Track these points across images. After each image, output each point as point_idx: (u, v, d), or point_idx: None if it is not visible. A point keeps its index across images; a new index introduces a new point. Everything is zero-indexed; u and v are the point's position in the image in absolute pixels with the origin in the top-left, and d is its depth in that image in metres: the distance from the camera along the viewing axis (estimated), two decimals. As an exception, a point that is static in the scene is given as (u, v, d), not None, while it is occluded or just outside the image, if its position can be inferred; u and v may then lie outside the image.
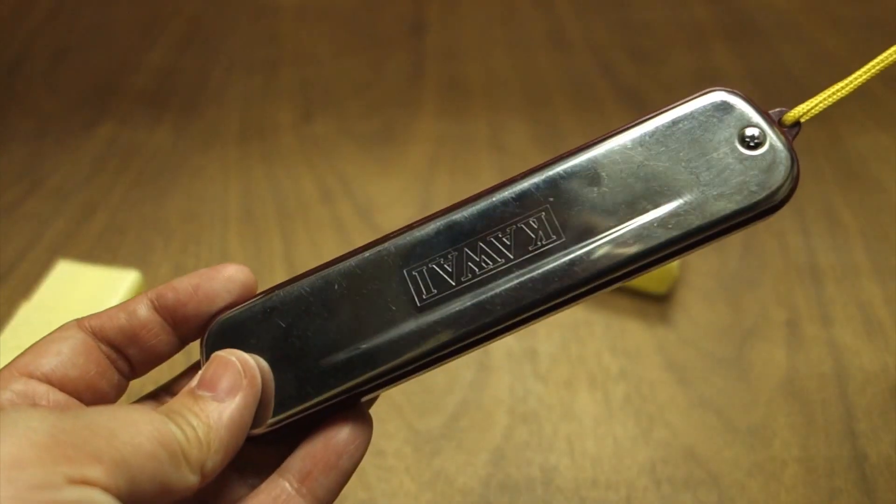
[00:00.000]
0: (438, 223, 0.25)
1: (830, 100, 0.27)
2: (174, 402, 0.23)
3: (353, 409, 0.25)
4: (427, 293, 0.25)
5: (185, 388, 0.24)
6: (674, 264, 0.44)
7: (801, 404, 0.41)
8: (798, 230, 0.52)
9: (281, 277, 0.48)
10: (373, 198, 0.54)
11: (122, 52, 0.70)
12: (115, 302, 0.41)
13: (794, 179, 0.24)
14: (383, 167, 0.57)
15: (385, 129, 0.61)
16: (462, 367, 0.43)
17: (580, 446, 0.39)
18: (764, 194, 0.23)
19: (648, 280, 0.46)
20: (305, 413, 0.25)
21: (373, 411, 0.40)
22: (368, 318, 0.25)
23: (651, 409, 0.41)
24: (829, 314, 0.46)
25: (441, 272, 0.25)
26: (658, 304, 0.47)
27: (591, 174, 0.25)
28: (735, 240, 0.51)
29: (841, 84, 0.27)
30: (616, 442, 0.39)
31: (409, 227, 0.26)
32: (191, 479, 0.22)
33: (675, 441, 0.40)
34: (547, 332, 0.45)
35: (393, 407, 0.41)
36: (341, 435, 0.25)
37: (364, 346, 0.25)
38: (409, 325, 0.25)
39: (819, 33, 0.74)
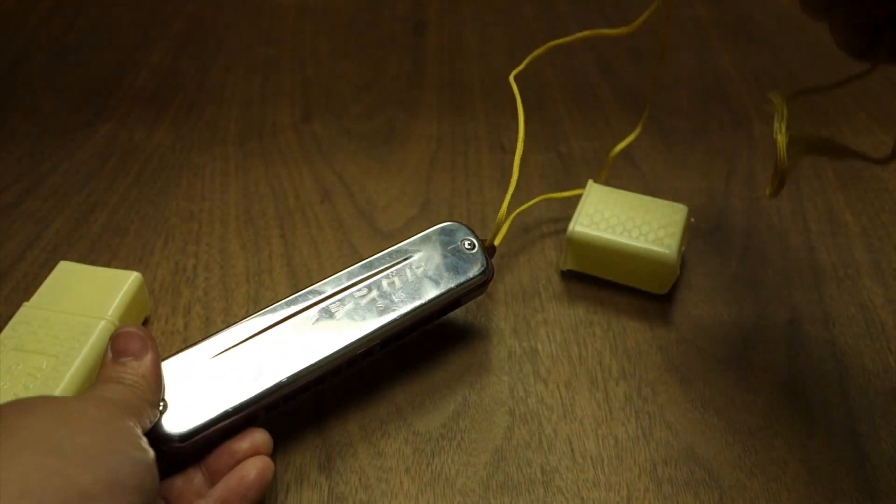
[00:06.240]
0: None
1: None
2: (110, 373, 0.32)
3: (262, 458, 0.34)
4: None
5: (107, 361, 0.33)
6: (674, 264, 0.44)
7: (803, 405, 0.41)
8: (799, 230, 0.52)
9: (281, 277, 0.48)
10: (373, 198, 0.54)
11: (121, 51, 0.69)
12: (114, 302, 0.42)
13: (488, 271, 0.41)
14: (383, 167, 0.57)
15: (385, 129, 0.61)
16: (462, 368, 0.43)
17: (581, 447, 0.39)
18: (474, 275, 0.40)
19: (649, 280, 0.46)
20: (219, 425, 0.34)
21: (374, 411, 0.40)
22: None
23: (652, 409, 0.41)
24: (830, 314, 0.46)
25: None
26: (658, 304, 0.47)
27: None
28: (735, 240, 0.51)
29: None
30: (617, 442, 0.39)
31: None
32: (154, 412, 0.33)
33: (675, 441, 0.40)
34: (547, 333, 0.45)
35: (393, 407, 0.41)
36: (251, 475, 0.34)
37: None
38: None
39: (819, 33, 0.74)
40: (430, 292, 0.39)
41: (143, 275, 0.45)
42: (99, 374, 0.33)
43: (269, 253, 0.50)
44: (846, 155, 0.39)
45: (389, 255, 0.40)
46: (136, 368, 0.33)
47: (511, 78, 0.50)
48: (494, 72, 0.67)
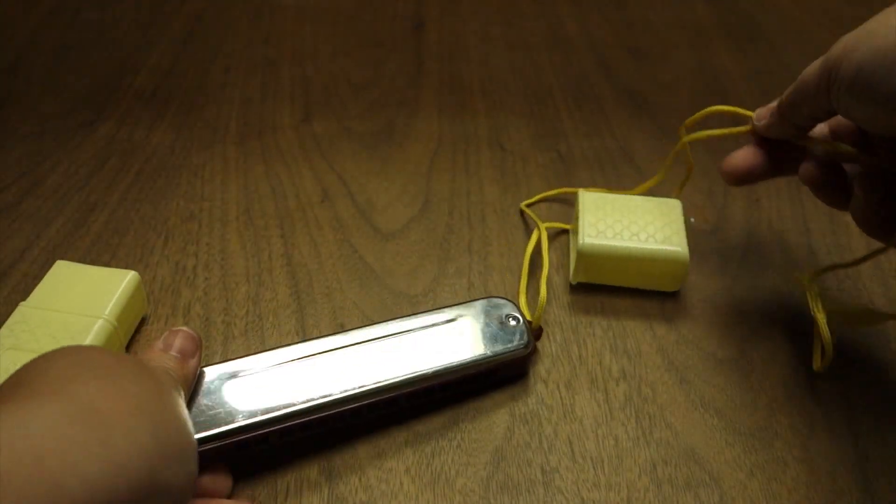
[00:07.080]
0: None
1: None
2: (156, 360, 0.34)
3: None
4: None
5: (156, 349, 0.35)
6: (687, 260, 0.44)
7: (803, 404, 0.41)
8: (799, 230, 0.52)
9: (280, 277, 0.48)
10: (373, 197, 0.54)
11: (121, 51, 0.69)
12: (112, 301, 0.41)
13: (529, 346, 0.41)
14: (383, 167, 0.57)
15: (385, 128, 0.61)
16: (462, 368, 0.43)
17: (581, 447, 0.39)
18: (515, 346, 0.41)
19: (662, 279, 0.46)
20: (231, 439, 0.35)
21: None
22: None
23: (652, 409, 0.41)
24: (830, 314, 0.46)
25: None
26: (658, 303, 0.46)
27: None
28: (736, 240, 0.51)
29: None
30: (617, 443, 0.39)
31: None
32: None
33: (676, 442, 0.39)
34: (547, 333, 0.45)
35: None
36: None
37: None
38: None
39: (820, 33, 0.74)
40: (467, 355, 0.40)
41: (143, 275, 0.45)
42: (143, 357, 0.35)
43: (269, 253, 0.50)
44: (885, 319, 0.43)
45: (434, 314, 0.42)
46: (180, 366, 0.35)
47: (523, 206, 0.52)
48: (494, 72, 0.67)
